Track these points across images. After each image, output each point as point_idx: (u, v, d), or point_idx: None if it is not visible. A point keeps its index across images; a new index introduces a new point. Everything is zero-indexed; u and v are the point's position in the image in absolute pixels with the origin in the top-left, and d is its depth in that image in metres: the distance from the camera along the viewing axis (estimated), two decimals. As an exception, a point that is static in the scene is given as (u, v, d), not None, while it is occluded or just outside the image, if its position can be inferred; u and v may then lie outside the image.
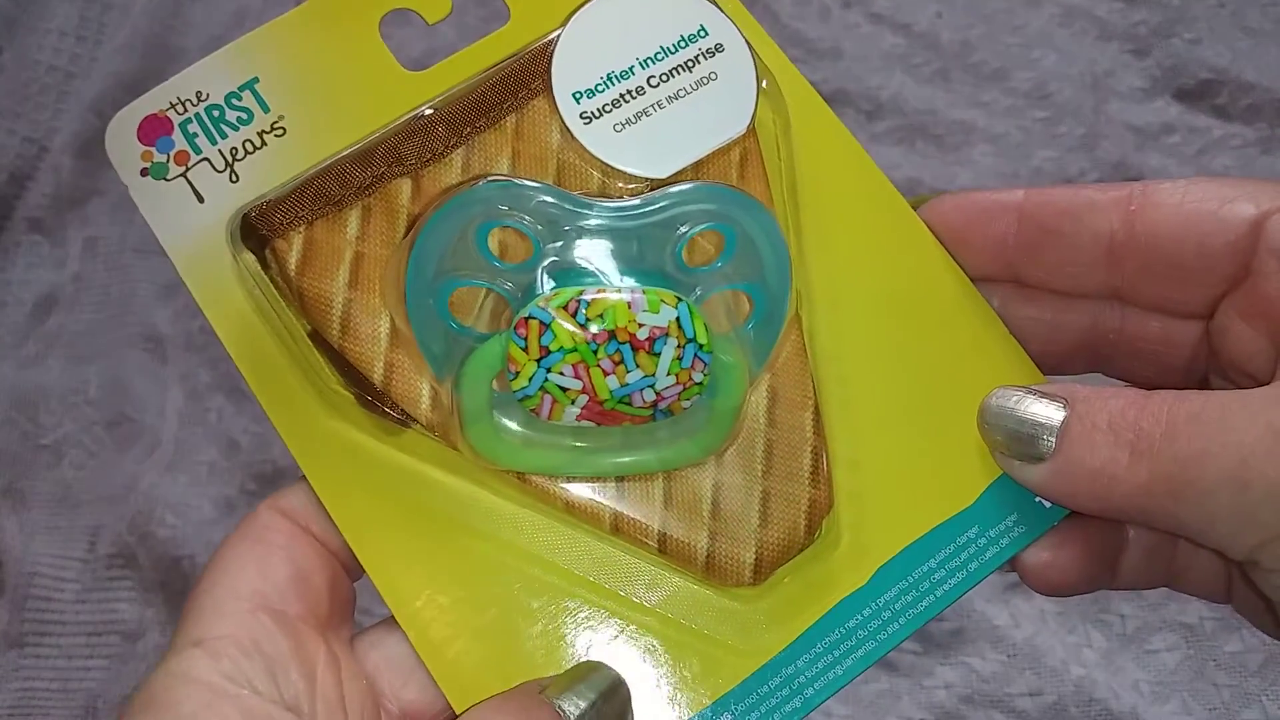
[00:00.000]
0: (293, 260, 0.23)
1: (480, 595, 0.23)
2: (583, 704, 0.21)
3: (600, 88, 0.24)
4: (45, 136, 0.69)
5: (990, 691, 0.48)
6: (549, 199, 0.22)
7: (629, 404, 0.22)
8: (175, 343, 0.61)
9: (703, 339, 0.22)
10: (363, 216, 0.23)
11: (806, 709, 0.23)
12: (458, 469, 0.23)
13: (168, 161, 0.24)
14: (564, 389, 0.21)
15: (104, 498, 0.56)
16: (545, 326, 0.21)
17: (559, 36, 0.24)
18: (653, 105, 0.24)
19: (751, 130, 0.24)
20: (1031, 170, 0.61)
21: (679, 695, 0.23)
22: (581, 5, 0.24)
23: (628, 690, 0.22)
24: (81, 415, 0.59)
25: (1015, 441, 0.22)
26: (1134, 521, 0.22)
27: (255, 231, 0.23)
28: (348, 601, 0.24)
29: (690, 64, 0.24)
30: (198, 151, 0.24)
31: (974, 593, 0.52)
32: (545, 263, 0.22)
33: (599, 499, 0.23)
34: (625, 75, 0.24)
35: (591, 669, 0.22)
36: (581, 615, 0.23)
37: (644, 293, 0.21)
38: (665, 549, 0.23)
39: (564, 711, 0.21)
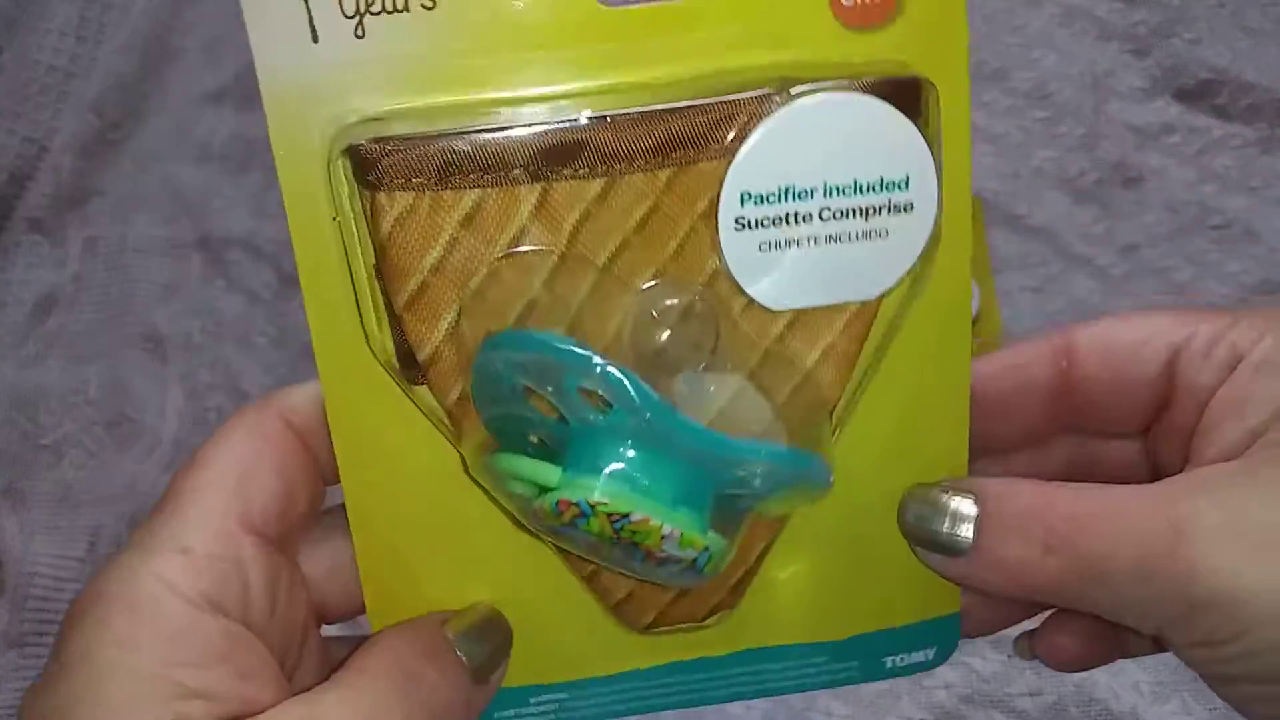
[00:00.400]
0: (387, 222, 0.21)
1: (434, 537, 0.24)
2: (477, 648, 0.23)
3: (772, 198, 0.22)
4: (45, 136, 0.69)
5: (990, 691, 0.48)
6: (625, 383, 0.21)
7: (621, 567, 0.24)
8: (175, 343, 0.61)
9: (708, 570, 0.22)
10: (474, 208, 0.22)
11: (624, 713, 0.27)
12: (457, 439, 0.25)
13: None
14: (573, 542, 0.23)
15: (104, 498, 0.56)
16: (583, 514, 0.21)
17: (764, 120, 0.21)
18: (809, 239, 0.22)
19: (879, 300, 0.23)
20: (1031, 170, 0.61)
21: (535, 667, 0.26)
22: (811, 91, 0.21)
23: (511, 639, 0.25)
24: (81, 415, 0.59)
25: (933, 539, 0.24)
26: (1051, 604, 0.24)
27: (363, 178, 0.21)
28: (317, 517, 0.25)
29: (870, 212, 0.22)
30: None
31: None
32: (619, 430, 0.21)
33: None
34: (803, 196, 0.22)
35: (487, 613, 0.25)
36: (510, 568, 0.25)
37: (681, 532, 0.21)
38: (593, 582, 0.25)
39: (461, 653, 0.23)
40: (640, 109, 0.22)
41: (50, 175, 0.67)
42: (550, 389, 0.21)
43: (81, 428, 0.59)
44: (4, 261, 0.65)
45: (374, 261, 0.22)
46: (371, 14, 0.21)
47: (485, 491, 0.24)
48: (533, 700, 0.26)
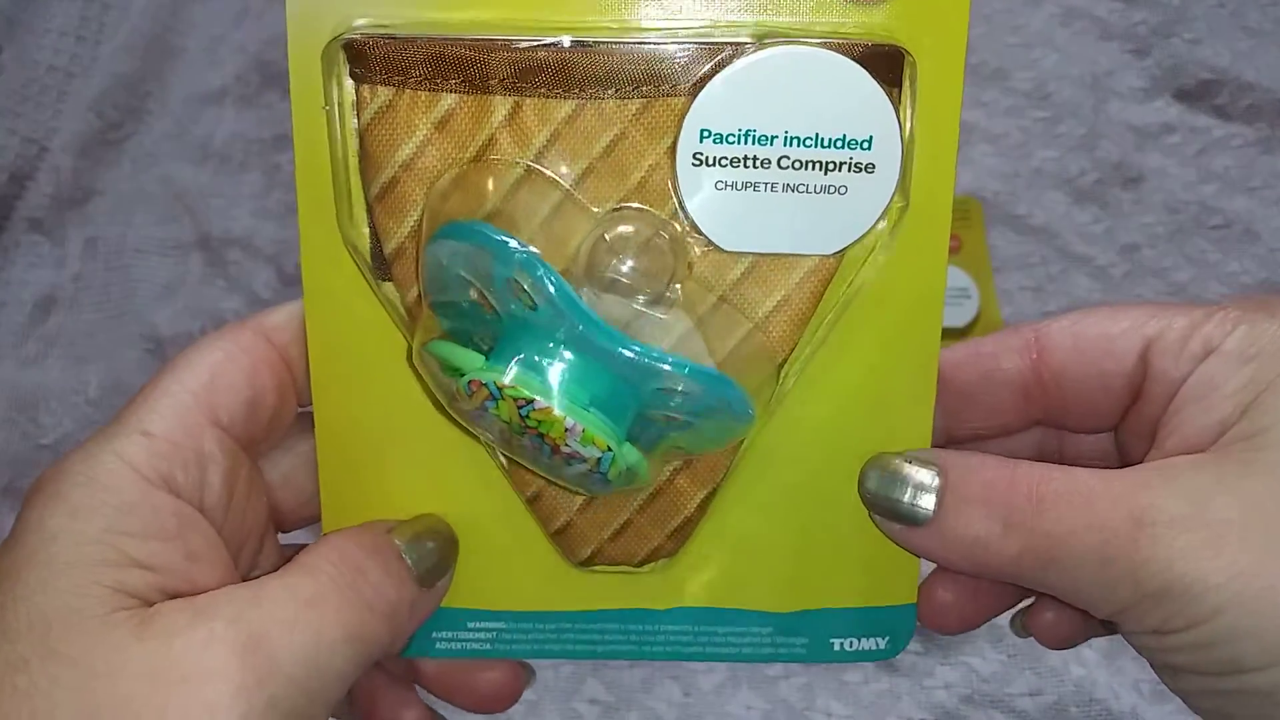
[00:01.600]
0: (368, 114, 0.23)
1: (393, 450, 0.25)
2: (421, 553, 0.24)
3: (732, 139, 0.22)
4: (45, 136, 0.69)
5: (990, 691, 0.48)
6: (565, 299, 0.21)
7: (532, 463, 0.24)
8: (175, 343, 0.61)
9: (613, 476, 0.22)
10: (449, 111, 0.23)
11: (559, 655, 0.27)
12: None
13: None
14: (487, 428, 0.23)
15: (104, 498, 0.56)
16: (492, 398, 0.22)
17: (733, 62, 0.22)
18: (767, 184, 0.22)
19: (838, 256, 0.23)
20: (1031, 170, 0.61)
21: (475, 592, 0.26)
22: (783, 43, 0.22)
23: (457, 549, 0.26)
24: (81, 415, 0.59)
25: (894, 508, 0.24)
26: (1009, 582, 0.24)
27: (352, 60, 0.23)
28: (287, 426, 0.26)
29: (831, 167, 0.22)
30: None
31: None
32: (532, 329, 0.22)
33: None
34: (764, 141, 0.22)
35: (434, 522, 0.25)
36: (461, 487, 0.26)
37: (584, 429, 0.21)
38: (535, 503, 0.26)
39: (406, 556, 0.24)
40: (621, 40, 0.22)
41: (50, 175, 0.67)
42: (483, 280, 0.22)
43: (81, 428, 0.59)
44: (4, 261, 0.65)
45: (359, 180, 0.24)
46: None
47: (423, 384, 0.24)
48: (470, 624, 0.26)
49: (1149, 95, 0.63)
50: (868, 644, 0.26)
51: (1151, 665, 0.23)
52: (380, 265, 0.24)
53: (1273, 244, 0.58)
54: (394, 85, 0.23)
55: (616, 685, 0.50)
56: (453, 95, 0.23)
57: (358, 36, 0.23)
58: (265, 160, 0.67)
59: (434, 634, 0.26)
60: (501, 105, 0.23)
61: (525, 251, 0.21)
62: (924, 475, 0.23)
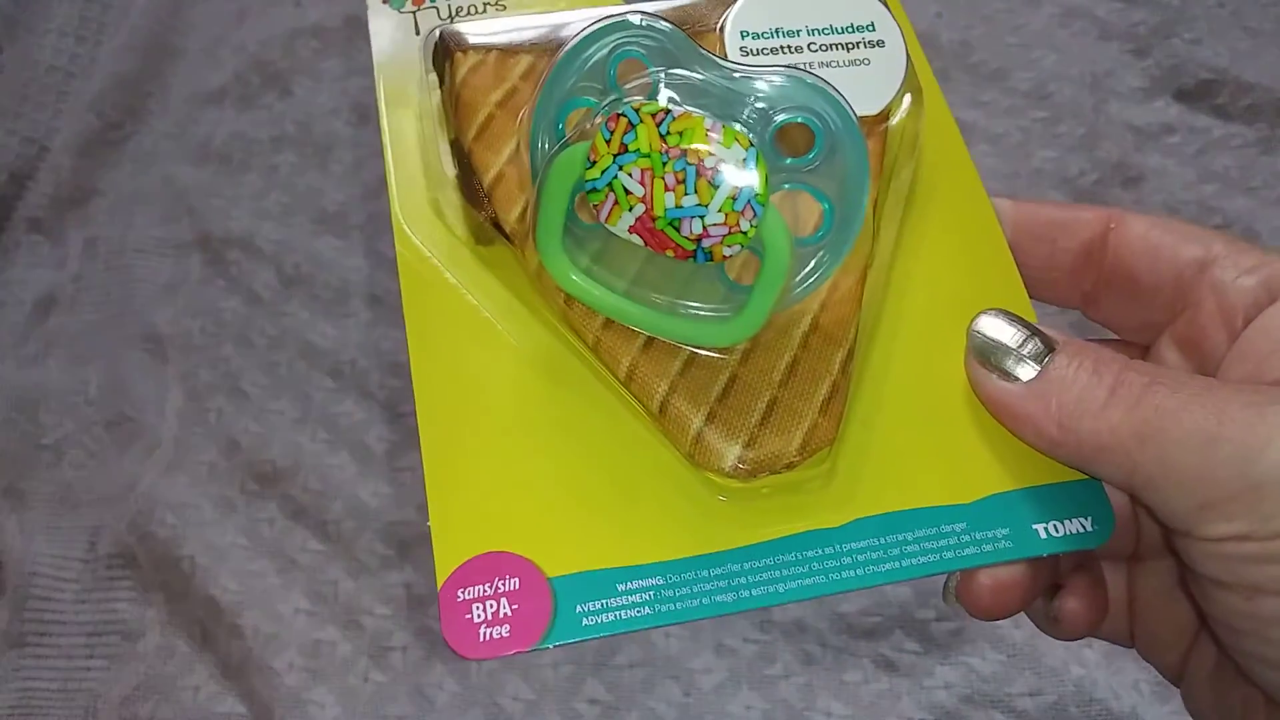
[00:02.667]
0: (463, 70, 0.27)
1: (487, 394, 0.25)
2: None
3: (767, 35, 0.26)
4: (45, 136, 0.69)
5: (990, 691, 0.48)
6: (684, 47, 0.24)
7: (677, 229, 0.23)
8: (175, 343, 0.61)
9: (760, 190, 0.22)
10: (533, 62, 0.27)
11: (735, 608, 0.23)
12: (520, 292, 0.26)
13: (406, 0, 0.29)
14: (627, 191, 0.23)
15: (104, 498, 0.57)
16: (631, 126, 0.22)
17: None
18: (804, 64, 0.26)
19: (880, 120, 0.27)
20: (1031, 170, 0.61)
21: (624, 544, 0.23)
22: None
23: None
24: (81, 415, 0.59)
25: (1000, 351, 0.23)
26: (1081, 464, 0.23)
27: (445, 48, 0.28)
28: None
29: (850, 45, 0.26)
30: (432, 0, 0.29)
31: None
32: (654, 83, 0.24)
33: (624, 345, 0.24)
34: (792, 34, 0.26)
35: None
36: (568, 437, 0.24)
37: (724, 128, 0.22)
38: (665, 413, 0.24)
39: None
40: (666, 3, 0.28)
41: (50, 175, 0.67)
42: (598, 79, 0.24)
43: (81, 428, 0.59)
44: (4, 261, 0.65)
45: (452, 135, 0.27)
46: (458, 18, 0.29)
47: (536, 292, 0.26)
48: (620, 587, 0.23)
49: (1149, 95, 0.63)
50: (1073, 526, 0.24)
51: (1205, 584, 0.22)
52: (488, 208, 0.26)
53: (1273, 243, 0.58)
54: (484, 50, 0.28)
55: (616, 685, 0.50)
56: (535, 49, 0.28)
57: (444, 31, 0.28)
58: (265, 160, 0.67)
59: (578, 607, 0.22)
60: None
61: (644, 22, 0.24)
62: (1041, 332, 0.23)
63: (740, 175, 0.22)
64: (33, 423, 0.59)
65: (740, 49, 0.26)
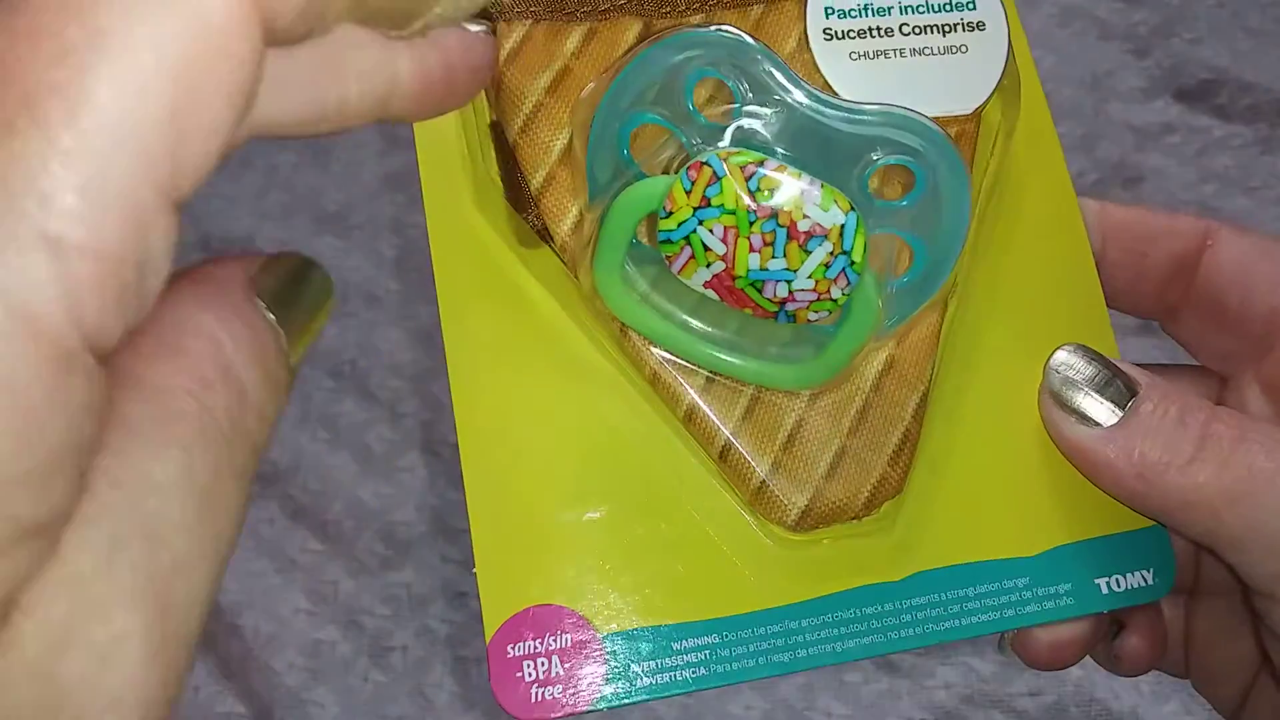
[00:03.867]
0: (507, 47, 0.23)
1: (534, 427, 0.23)
2: (278, 304, 0.16)
3: (854, 14, 0.23)
4: (45, 136, 0.69)
5: (990, 691, 0.48)
6: (770, 69, 0.21)
7: (759, 290, 0.21)
8: (175, 343, 0.61)
9: (857, 257, 0.20)
10: (585, 36, 0.23)
11: (792, 668, 0.22)
12: (569, 304, 0.23)
13: None
14: (706, 247, 0.21)
15: (104, 498, 0.57)
16: (716, 178, 0.20)
17: None
18: (895, 50, 0.23)
19: (976, 116, 0.24)
20: (1031, 170, 0.61)
21: (678, 599, 0.22)
22: None
23: (330, 289, 0.18)
24: (81, 415, 0.59)
25: (1080, 392, 0.22)
26: (1160, 517, 0.22)
27: (486, 11, 0.22)
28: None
29: (947, 29, 0.24)
30: None
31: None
32: (737, 124, 0.22)
33: (684, 384, 0.22)
34: (883, 12, 0.24)
35: (303, 265, 0.18)
36: (619, 484, 0.22)
37: (822, 187, 0.20)
38: (726, 458, 0.22)
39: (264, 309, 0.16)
40: None
41: (50, 175, 0.67)
42: (675, 97, 0.22)
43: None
44: (4, 261, 0.65)
45: (491, 117, 0.23)
46: None
47: (592, 316, 0.23)
48: (675, 646, 0.22)
49: (1149, 95, 0.63)
50: (1135, 580, 0.23)
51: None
52: (536, 215, 0.23)
53: (1273, 244, 0.58)
54: (530, 17, 0.23)
55: (616, 685, 0.50)
56: (585, 23, 0.23)
57: None
58: (265, 161, 0.67)
59: (633, 667, 0.21)
60: (632, 25, 0.23)
61: (732, 35, 0.21)
62: (1123, 374, 0.22)
63: (835, 242, 0.20)
64: (33, 423, 0.59)
65: (824, 31, 0.23)
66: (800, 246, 0.20)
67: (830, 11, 0.23)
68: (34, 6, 0.11)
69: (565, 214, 0.23)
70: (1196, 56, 0.63)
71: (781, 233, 0.20)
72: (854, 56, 0.23)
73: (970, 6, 0.24)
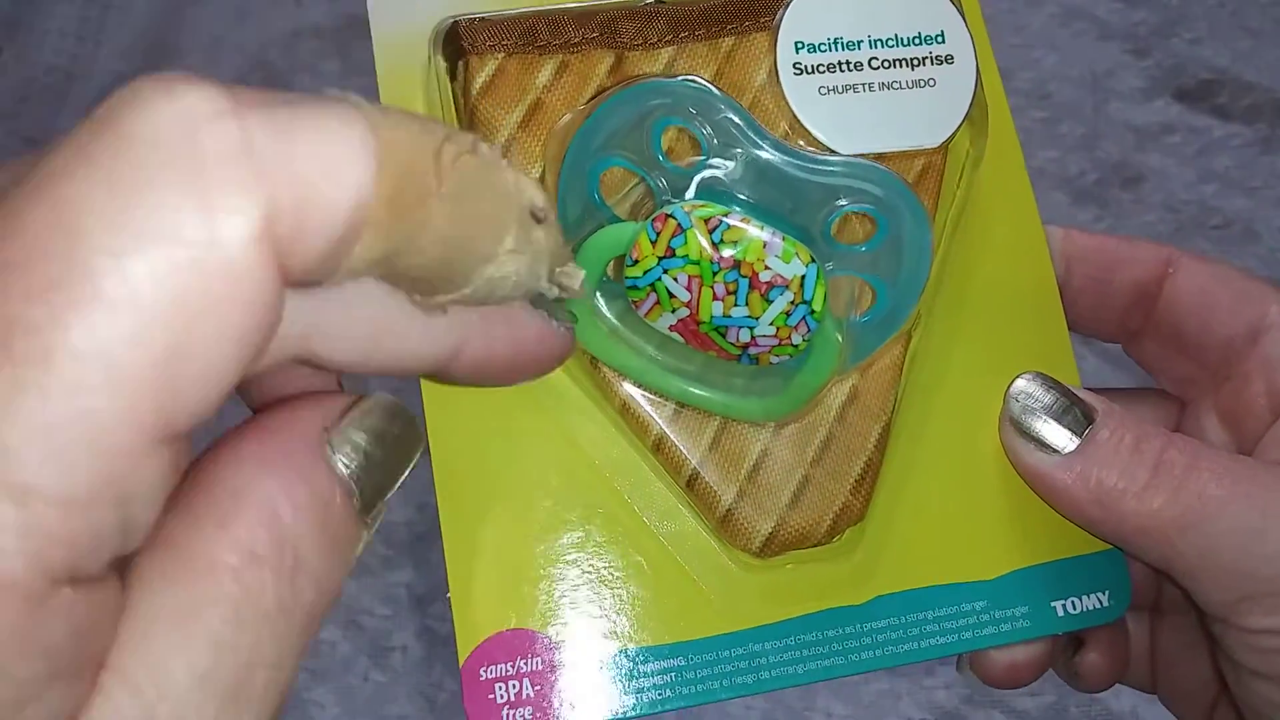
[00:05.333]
0: (479, 81, 0.23)
1: (508, 455, 0.23)
2: (360, 458, 0.16)
3: (824, 48, 0.24)
4: (45, 137, 0.69)
5: (990, 691, 0.48)
6: (735, 119, 0.22)
7: (723, 335, 0.22)
8: (175, 343, 0.61)
9: (817, 306, 0.21)
10: (557, 70, 0.24)
11: (756, 689, 0.23)
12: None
13: None
14: (671, 294, 0.21)
15: (104, 498, 0.57)
16: (681, 230, 0.21)
17: None
18: (864, 85, 0.24)
19: (944, 149, 0.24)
20: (1032, 170, 0.60)
21: (645, 623, 0.23)
22: None
23: (419, 440, 0.18)
24: (81, 415, 0.59)
25: (1038, 420, 0.22)
26: (1117, 542, 0.22)
27: (457, 42, 0.24)
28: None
29: (916, 62, 0.24)
30: None
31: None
32: (703, 174, 0.22)
33: (652, 414, 0.23)
34: (852, 46, 0.24)
35: (390, 411, 0.18)
36: (589, 511, 0.23)
37: (784, 240, 0.21)
38: (693, 487, 0.23)
39: (340, 466, 0.15)
40: None
41: (50, 175, 0.67)
42: (638, 143, 0.22)
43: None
44: (4, 261, 0.65)
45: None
46: None
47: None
48: (642, 669, 0.22)
49: (1149, 95, 0.63)
50: (1090, 602, 0.24)
51: (1241, 671, 0.22)
52: None
53: (1273, 243, 0.58)
54: (503, 50, 0.23)
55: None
56: (558, 55, 0.24)
57: (460, 19, 0.24)
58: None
59: (604, 690, 0.22)
60: (604, 59, 0.24)
61: (698, 86, 0.22)
62: (1081, 400, 0.22)
63: (796, 292, 0.21)
64: (33, 423, 0.59)
65: (794, 65, 0.23)
66: (762, 296, 0.21)
67: (800, 46, 0.24)
68: (23, 233, 0.11)
69: None
70: (1197, 56, 0.63)
71: (744, 282, 0.21)
72: (823, 91, 0.24)
73: (939, 40, 0.24)
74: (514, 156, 0.23)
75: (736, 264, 0.21)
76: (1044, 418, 0.22)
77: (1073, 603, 0.24)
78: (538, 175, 0.23)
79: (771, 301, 0.21)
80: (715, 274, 0.21)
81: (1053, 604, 0.24)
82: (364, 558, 0.53)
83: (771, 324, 0.21)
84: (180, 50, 0.73)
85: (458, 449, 0.23)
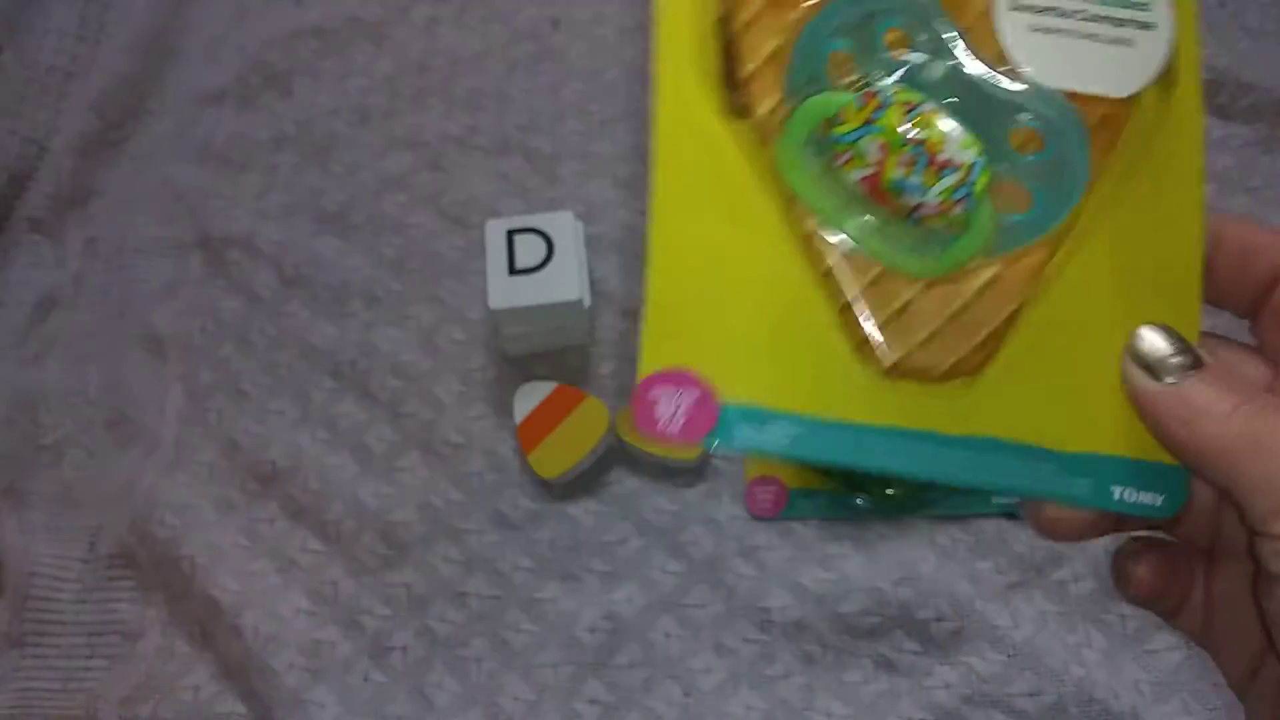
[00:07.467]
0: None
1: (713, 252, 0.28)
2: None
3: None
4: (45, 136, 0.69)
5: (990, 691, 0.49)
6: (947, 32, 0.27)
7: (898, 196, 0.27)
8: (175, 343, 0.61)
9: (978, 189, 0.27)
10: None
11: (857, 464, 0.28)
12: (755, 167, 0.28)
13: None
14: (864, 154, 0.27)
15: (104, 498, 0.57)
16: (882, 106, 0.26)
17: None
18: (1069, 30, 0.28)
19: (1129, 103, 0.28)
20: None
21: (782, 392, 0.28)
22: None
23: None
24: (81, 415, 0.59)
25: (1155, 358, 0.27)
26: (1195, 464, 0.26)
27: None
28: None
29: (1119, 22, 0.28)
30: None
31: (974, 592, 0.52)
32: (909, 68, 0.27)
33: (830, 247, 0.28)
34: None
35: None
36: (763, 306, 0.28)
37: (964, 132, 0.26)
38: (846, 312, 0.28)
39: None
40: None
41: (50, 175, 0.67)
42: (866, 35, 0.28)
43: (81, 428, 0.59)
44: (4, 261, 0.65)
45: (719, 12, 0.29)
46: None
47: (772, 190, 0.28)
48: (769, 425, 0.28)
49: (1149, 95, 0.63)
50: (1145, 498, 0.28)
51: (1270, 581, 0.25)
52: (742, 93, 0.29)
53: (1273, 244, 0.58)
54: None
55: (616, 685, 0.50)
56: None
57: None
58: (265, 160, 0.67)
59: (735, 430, 0.28)
60: None
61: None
62: (1192, 349, 0.27)
63: (964, 174, 0.26)
64: (33, 423, 0.59)
65: (1010, 3, 0.28)
66: (935, 171, 0.26)
67: None
68: None
69: (765, 99, 0.28)
70: (1196, 56, 0.63)
71: (924, 158, 0.26)
72: (1031, 29, 0.28)
73: (1145, 8, 0.28)
74: (756, 28, 0.29)
75: (920, 142, 0.26)
76: (1159, 355, 0.27)
77: (1130, 492, 0.28)
78: (774, 46, 0.28)
79: (942, 178, 0.26)
80: (902, 146, 0.26)
81: (1112, 487, 0.28)
82: (364, 558, 0.53)
83: (939, 195, 0.27)
84: (180, 50, 0.73)
85: (674, 233, 0.28)
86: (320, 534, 0.54)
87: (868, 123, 0.26)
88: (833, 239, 0.28)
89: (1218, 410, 0.25)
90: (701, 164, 0.29)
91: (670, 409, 0.27)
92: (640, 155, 0.65)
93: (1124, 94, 0.28)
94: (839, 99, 0.27)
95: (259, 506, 0.56)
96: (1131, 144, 0.28)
